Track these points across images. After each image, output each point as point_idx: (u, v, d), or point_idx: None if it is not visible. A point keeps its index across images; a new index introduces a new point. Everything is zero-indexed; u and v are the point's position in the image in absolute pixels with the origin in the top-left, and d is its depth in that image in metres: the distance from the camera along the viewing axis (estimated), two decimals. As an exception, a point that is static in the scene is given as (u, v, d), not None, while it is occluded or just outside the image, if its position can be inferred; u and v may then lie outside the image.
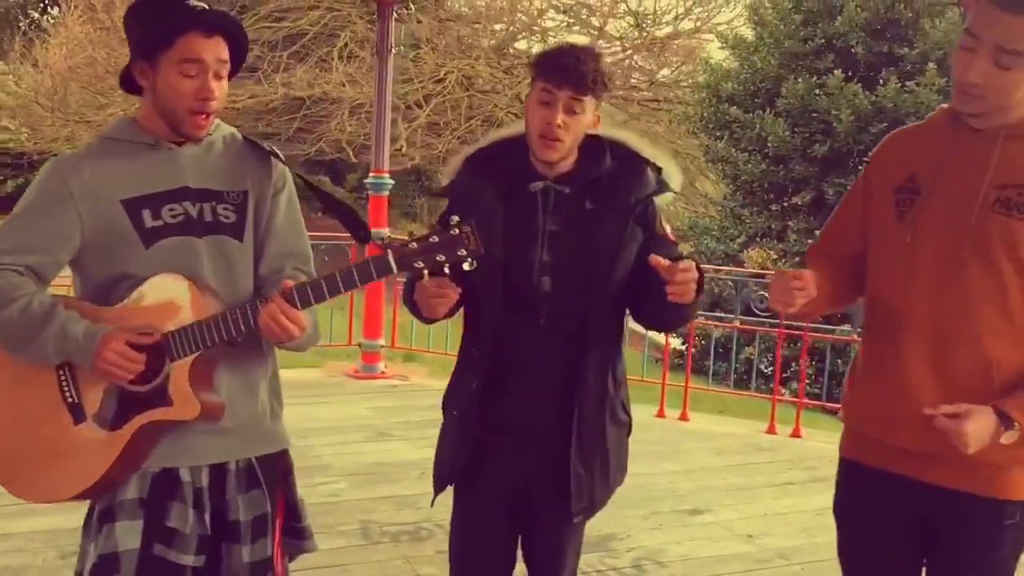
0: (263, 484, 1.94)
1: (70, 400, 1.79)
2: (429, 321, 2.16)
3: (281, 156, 2.00)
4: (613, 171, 2.15)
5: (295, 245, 1.99)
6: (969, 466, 1.79)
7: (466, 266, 1.73)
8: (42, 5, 22.22)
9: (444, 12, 17.16)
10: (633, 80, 19.07)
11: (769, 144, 10.82)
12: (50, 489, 1.85)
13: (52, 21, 20.50)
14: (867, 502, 1.97)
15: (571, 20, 19.61)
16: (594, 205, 2.12)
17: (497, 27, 18.55)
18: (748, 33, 12.60)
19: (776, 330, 5.93)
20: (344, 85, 15.44)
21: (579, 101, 2.04)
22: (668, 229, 2.20)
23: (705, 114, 12.36)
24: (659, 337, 7.58)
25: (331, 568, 3.38)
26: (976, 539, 1.85)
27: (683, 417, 5.60)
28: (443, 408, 2.30)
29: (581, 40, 19.34)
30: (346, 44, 15.69)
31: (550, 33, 19.53)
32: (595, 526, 3.78)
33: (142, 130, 1.88)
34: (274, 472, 2.00)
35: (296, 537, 2.10)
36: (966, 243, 1.77)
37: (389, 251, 1.71)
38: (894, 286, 1.87)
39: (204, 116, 1.83)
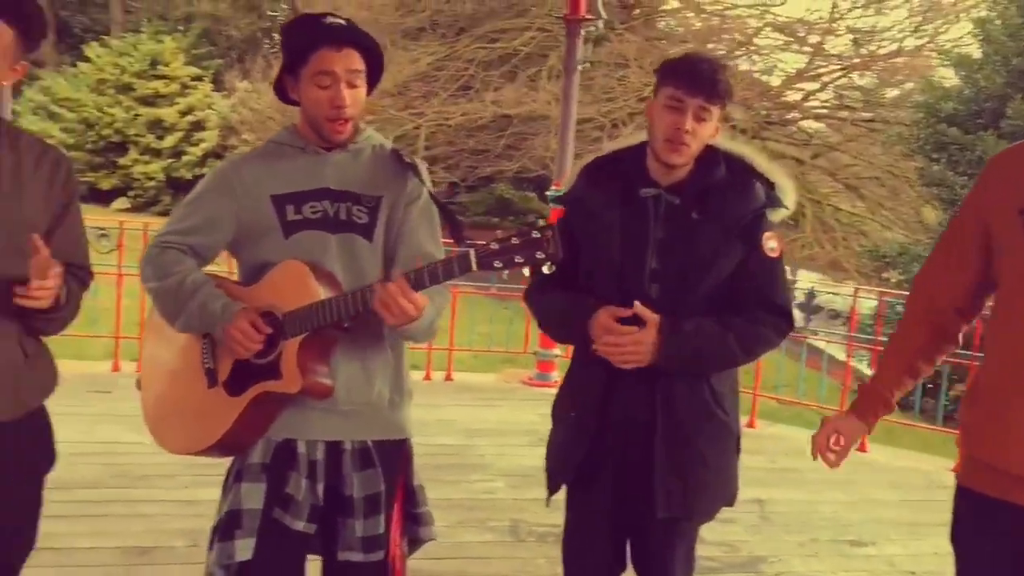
0: (378, 466, 2.09)
1: (207, 366, 2.03)
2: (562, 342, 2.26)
3: (421, 169, 2.14)
4: (723, 183, 2.17)
5: (426, 249, 2.12)
6: None
7: (545, 269, 1.81)
8: (283, 29, 24.18)
9: (653, 32, 17.21)
10: (848, 99, 18.33)
11: (992, 168, 10.09)
12: (184, 442, 2.09)
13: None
14: (988, 534, 1.87)
15: (788, 38, 19.15)
16: (700, 216, 2.14)
17: (709, 46, 18.38)
18: (974, 51, 11.84)
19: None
20: (550, 103, 15.81)
21: (708, 110, 2.08)
22: (774, 245, 2.17)
23: (922, 135, 11.72)
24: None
25: (475, 559, 3.53)
26: None
27: (861, 448, 5.38)
28: (556, 411, 2.37)
29: (796, 57, 18.92)
30: (554, 64, 16.07)
31: (764, 51, 19.19)
32: (746, 547, 3.76)
33: (298, 136, 2.10)
34: (392, 458, 2.14)
35: (414, 522, 2.25)
36: None
37: (472, 250, 1.82)
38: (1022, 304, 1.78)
39: (340, 122, 2.01)
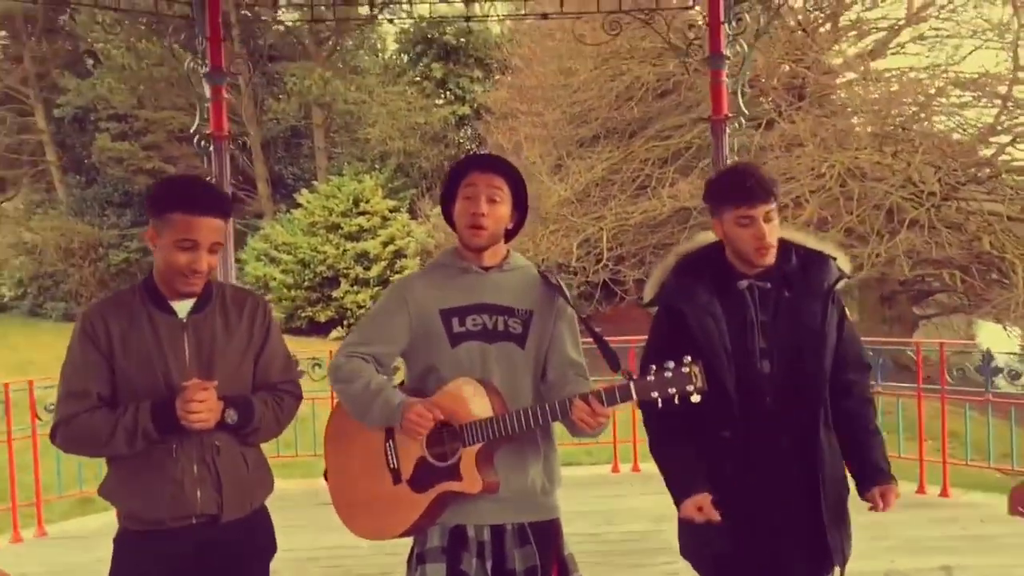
0: (533, 543, 2.45)
1: (392, 466, 2.48)
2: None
3: (564, 290, 2.55)
4: (802, 266, 2.47)
5: (572, 357, 2.53)
6: None
7: (694, 399, 2.18)
8: (470, 150, 25.75)
9: (825, 108, 17.12)
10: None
11: None
12: (374, 530, 2.54)
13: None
14: None
15: (975, 93, 18.48)
16: (791, 294, 2.44)
17: (894, 112, 18.04)
18: None
19: None
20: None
21: (771, 209, 2.40)
22: (848, 312, 2.48)
23: None
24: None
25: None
26: None
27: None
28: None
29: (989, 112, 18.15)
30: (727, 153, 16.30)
31: (950, 110, 18.55)
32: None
33: (459, 257, 2.57)
34: (546, 535, 2.50)
35: None
36: None
37: (632, 383, 2.21)
38: None
39: (477, 229, 2.46)
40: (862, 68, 18.38)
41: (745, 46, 6.08)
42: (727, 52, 6.05)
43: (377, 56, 30.23)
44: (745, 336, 2.46)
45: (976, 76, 17.74)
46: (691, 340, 2.47)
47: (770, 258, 2.45)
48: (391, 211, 23.22)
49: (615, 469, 6.62)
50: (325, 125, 27.40)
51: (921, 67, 18.40)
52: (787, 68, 17.40)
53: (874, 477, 2.51)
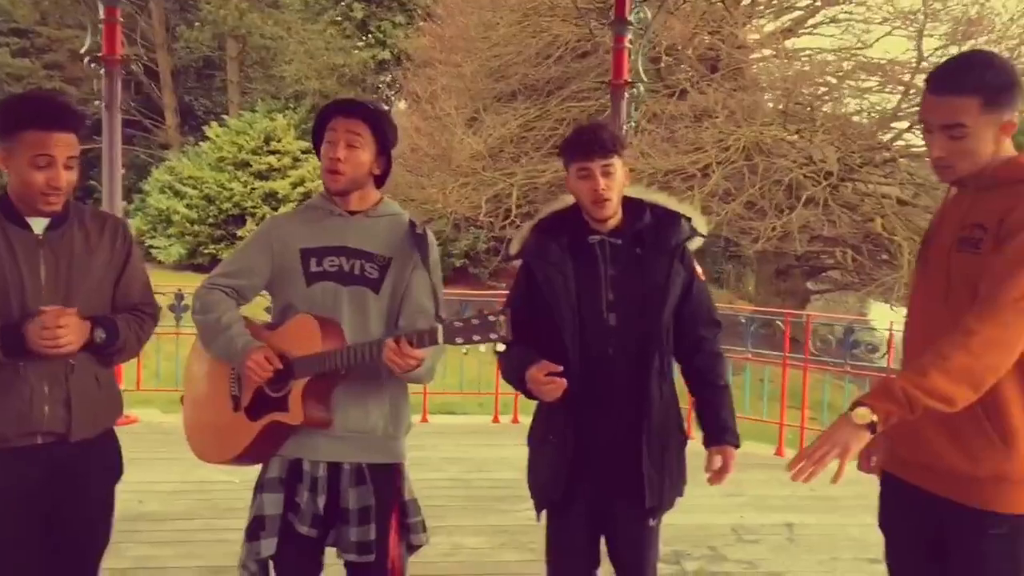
0: (370, 484, 2.52)
1: (234, 393, 2.54)
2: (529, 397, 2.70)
3: (429, 240, 2.59)
4: (654, 223, 2.59)
5: (426, 306, 2.55)
6: (953, 477, 2.02)
7: (499, 347, 2.26)
8: (388, 97, 25.44)
9: (738, 83, 17.46)
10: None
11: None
12: (212, 453, 2.61)
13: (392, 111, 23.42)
14: (896, 511, 2.22)
15: (880, 79, 19.06)
16: (643, 251, 2.57)
17: (806, 91, 18.49)
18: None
19: None
20: (638, 158, 16.23)
21: (610, 163, 2.51)
22: (700, 270, 2.62)
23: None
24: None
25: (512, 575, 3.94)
26: (965, 546, 2.04)
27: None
28: (532, 434, 2.75)
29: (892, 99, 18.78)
30: (638, 121, 16.51)
31: (857, 94, 19.12)
32: (766, 564, 4.04)
33: (328, 200, 2.61)
34: (385, 478, 2.57)
35: (409, 531, 2.67)
36: (944, 280, 2.03)
37: (441, 327, 2.28)
38: (909, 321, 2.17)
39: (332, 175, 2.51)
40: (776, 45, 18.79)
41: (648, 13, 6.20)
42: (631, 18, 6.15)
43: (297, -9, 29.42)
44: (594, 289, 2.58)
45: (882, 62, 18.34)
46: (541, 294, 2.58)
47: (607, 211, 2.55)
48: (303, 152, 22.83)
49: (495, 419, 6.78)
50: (239, 58, 26.68)
51: (831, 49, 18.89)
52: (705, 39, 17.65)
53: (718, 436, 2.64)
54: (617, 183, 2.54)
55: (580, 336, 2.56)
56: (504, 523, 4.55)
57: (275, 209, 21.91)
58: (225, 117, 24.47)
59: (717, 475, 2.64)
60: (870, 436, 1.88)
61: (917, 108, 18.57)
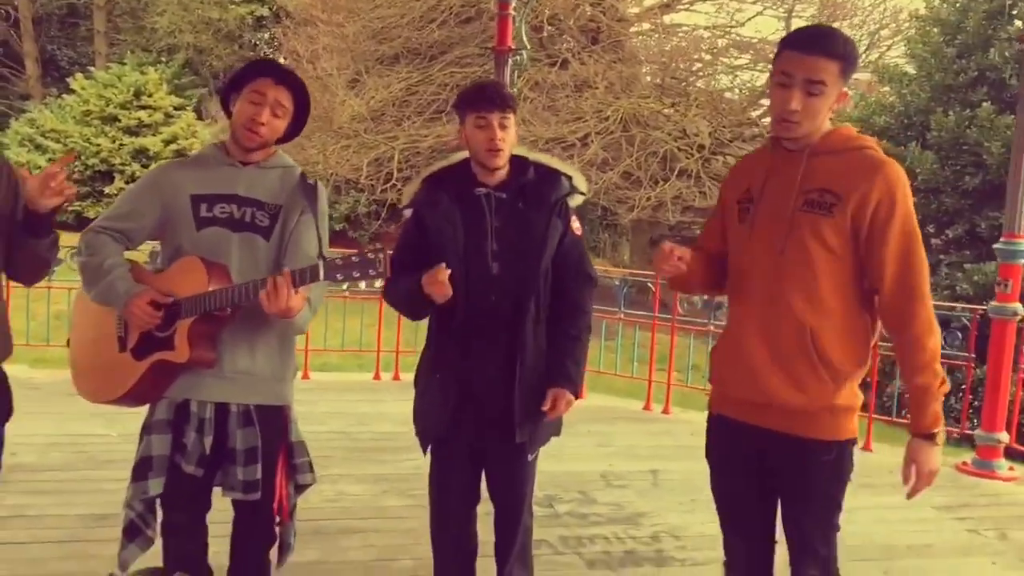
0: (257, 425, 2.61)
1: (120, 334, 2.59)
2: (417, 317, 2.84)
3: (319, 191, 2.67)
4: (537, 180, 2.78)
5: (309, 253, 2.60)
6: (789, 412, 2.27)
7: (377, 283, 2.39)
8: (266, 54, 24.81)
9: (618, 55, 17.86)
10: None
11: (919, 177, 10.73)
12: (98, 393, 2.66)
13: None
14: (723, 446, 2.47)
15: (751, 57, 19.83)
16: (525, 206, 2.75)
17: (682, 66, 19.06)
18: (908, 67, 12.51)
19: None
20: (520, 125, 16.46)
21: (507, 118, 2.69)
22: (577, 226, 2.81)
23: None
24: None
25: (393, 519, 4.12)
26: (799, 473, 2.32)
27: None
28: (420, 375, 2.91)
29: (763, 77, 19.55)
30: (521, 88, 16.72)
31: (731, 71, 19.82)
32: (632, 505, 4.33)
33: (221, 150, 2.67)
34: (272, 419, 2.66)
35: (295, 471, 2.78)
36: (784, 235, 2.26)
37: (321, 263, 2.36)
38: (737, 273, 2.39)
39: (251, 134, 2.59)
40: (654, 20, 19.28)
41: (532, -19, 6.34)
42: (515, -15, 6.28)
43: (171, -60, 28.26)
44: (480, 239, 2.74)
45: (754, 41, 19.09)
46: (429, 242, 2.73)
47: (499, 161, 2.72)
48: (176, 108, 22.10)
49: (376, 376, 6.89)
50: (107, 7, 25.45)
51: (706, 26, 19.51)
52: (587, 11, 17.96)
53: (556, 378, 2.80)
54: (510, 137, 2.71)
55: (465, 282, 2.72)
56: (386, 472, 4.70)
57: (145, 167, 21.14)
58: (92, 69, 23.37)
59: (550, 412, 2.78)
60: None
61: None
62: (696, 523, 4.12)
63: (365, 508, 4.26)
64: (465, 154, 2.81)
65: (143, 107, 21.71)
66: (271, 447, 2.66)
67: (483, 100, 2.70)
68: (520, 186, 2.78)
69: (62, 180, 2.38)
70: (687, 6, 20.86)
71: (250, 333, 2.61)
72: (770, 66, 2.31)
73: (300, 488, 2.83)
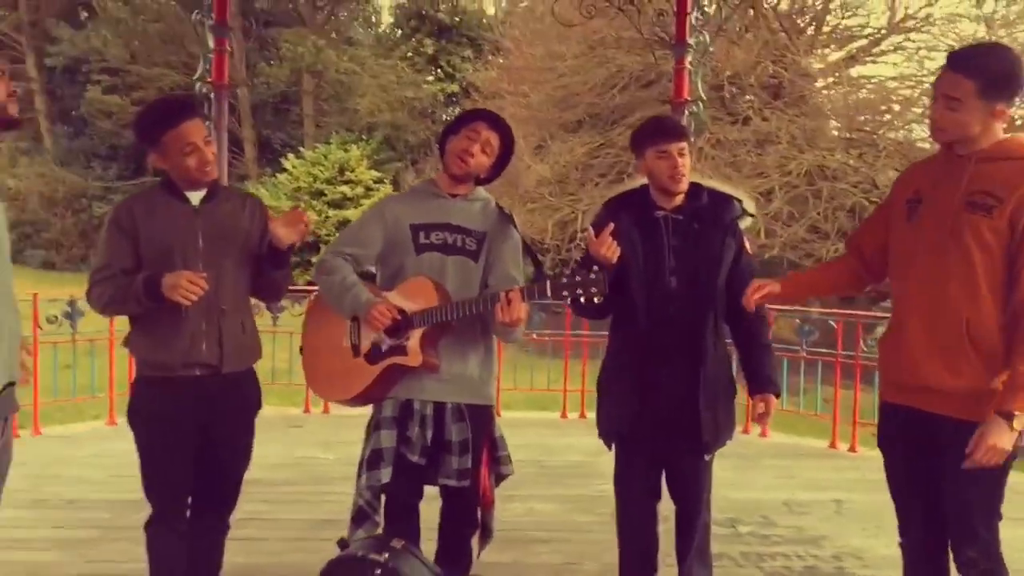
0: (467, 421, 3.00)
1: (354, 342, 3.04)
2: (601, 316, 3.16)
3: (515, 219, 3.12)
4: (711, 203, 3.06)
5: (511, 273, 3.04)
6: (948, 396, 2.44)
7: (596, 300, 2.72)
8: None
9: (798, 109, 17.74)
10: None
11: None
12: (334, 393, 3.10)
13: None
14: (891, 430, 2.64)
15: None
16: (700, 226, 3.03)
17: (861, 119, 18.71)
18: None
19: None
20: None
21: (684, 147, 2.99)
22: (748, 245, 3.06)
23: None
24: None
25: (582, 532, 4.39)
26: (961, 454, 2.44)
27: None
28: (602, 381, 3.21)
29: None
30: (702, 148, 16.92)
31: (922, 118, 19.21)
32: (813, 529, 4.40)
33: (435, 185, 3.13)
34: (480, 416, 3.04)
35: (497, 463, 3.16)
36: (947, 234, 2.45)
37: (548, 281, 2.75)
38: (902, 268, 2.59)
39: (461, 162, 3.03)
40: (838, 74, 19.03)
41: (707, 37, 6.66)
42: (691, 41, 6.62)
43: (371, 28, 30.63)
44: (659, 257, 3.04)
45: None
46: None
47: (683, 186, 3.02)
48: (375, 182, 23.69)
49: (563, 415, 7.22)
50: (315, 93, 27.79)
51: (894, 76, 19.07)
52: (768, 67, 18.00)
53: (761, 385, 3.10)
54: (688, 166, 3.01)
55: (646, 296, 3.02)
56: (575, 494, 5.00)
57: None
58: (301, 149, 25.47)
59: (760, 418, 3.08)
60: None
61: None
62: (880, 546, 4.15)
63: (555, 522, 4.56)
64: (642, 180, 3.13)
65: (346, 182, 23.41)
66: (478, 440, 3.03)
67: (662, 133, 3.01)
68: (695, 209, 3.07)
69: (304, 218, 2.89)
70: (874, 58, 20.51)
71: (463, 342, 3.01)
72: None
73: (500, 478, 3.19)
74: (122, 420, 6.47)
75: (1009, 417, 2.33)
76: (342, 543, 2.98)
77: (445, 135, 3.12)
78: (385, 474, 2.99)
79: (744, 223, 3.09)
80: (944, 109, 2.43)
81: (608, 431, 3.20)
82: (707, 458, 3.12)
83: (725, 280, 3.05)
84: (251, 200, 3.04)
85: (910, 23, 18.93)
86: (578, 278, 2.71)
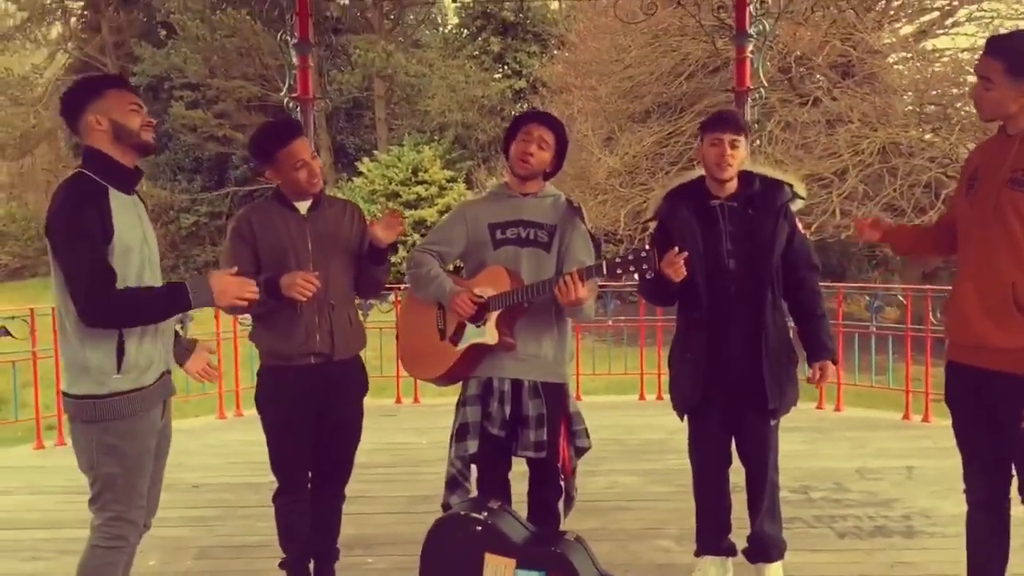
0: (543, 397, 3.30)
1: (440, 327, 3.39)
2: (665, 302, 3.46)
3: (583, 211, 3.41)
4: (763, 189, 3.32)
5: (582, 259, 3.31)
6: (1000, 352, 2.69)
7: (648, 275, 3.02)
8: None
9: (869, 87, 17.58)
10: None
11: None
12: (424, 372, 3.44)
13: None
14: (955, 387, 2.91)
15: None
16: (754, 211, 3.30)
17: (933, 93, 18.44)
18: None
19: None
20: (775, 165, 16.59)
21: (737, 139, 3.26)
22: (800, 226, 3.32)
23: None
24: None
25: (657, 501, 4.67)
26: (1015, 405, 2.68)
27: None
28: (673, 358, 3.51)
29: None
30: (771, 129, 16.91)
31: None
32: (885, 493, 4.61)
33: (507, 187, 3.46)
34: (555, 393, 3.34)
35: (575, 437, 3.45)
36: (992, 208, 2.70)
37: (604, 260, 3.05)
38: (963, 240, 2.86)
39: (523, 163, 3.32)
40: (909, 49, 18.78)
41: (767, 25, 6.85)
42: (751, 31, 6.82)
43: (438, 30, 31.16)
44: (717, 241, 3.33)
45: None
46: (674, 244, 3.35)
47: (727, 173, 3.29)
48: (449, 181, 24.16)
49: (641, 397, 7.50)
50: (386, 97, 28.42)
51: (967, 48, 18.71)
52: (836, 45, 17.86)
53: (818, 353, 3.38)
54: (739, 157, 3.29)
55: (706, 278, 3.31)
56: (654, 467, 5.30)
57: (424, 236, 23.17)
58: (375, 152, 26.10)
59: (818, 382, 3.35)
60: None
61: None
62: (949, 505, 4.35)
63: (635, 493, 4.88)
64: (700, 172, 3.42)
65: (420, 182, 23.93)
66: (554, 415, 3.34)
67: (717, 123, 3.31)
68: (748, 196, 3.34)
69: (400, 220, 3.27)
70: (946, 30, 20.16)
71: (538, 324, 3.33)
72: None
73: (580, 451, 3.50)
74: (230, 413, 7.04)
75: None
76: (445, 506, 3.35)
77: (506, 142, 3.43)
78: (472, 445, 3.32)
79: (795, 205, 3.35)
80: (981, 89, 2.69)
81: (680, 404, 3.50)
82: (773, 423, 3.39)
83: (780, 258, 3.32)
84: (351, 206, 3.43)
85: (982, -8, 18.58)
86: (630, 257, 3.00)
